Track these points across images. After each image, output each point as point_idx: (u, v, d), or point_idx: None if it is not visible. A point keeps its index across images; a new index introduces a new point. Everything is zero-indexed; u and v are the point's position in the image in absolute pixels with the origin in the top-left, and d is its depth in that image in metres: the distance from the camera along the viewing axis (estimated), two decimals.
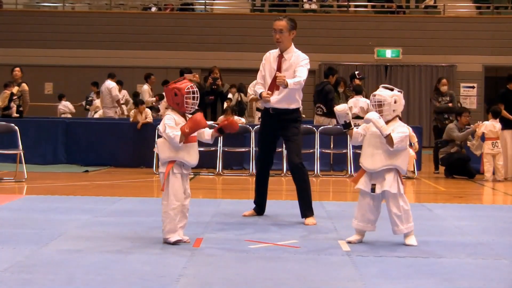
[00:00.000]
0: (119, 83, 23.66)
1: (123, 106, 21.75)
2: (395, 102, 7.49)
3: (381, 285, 5.85)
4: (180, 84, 7.39)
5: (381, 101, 7.47)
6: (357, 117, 17.24)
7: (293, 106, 8.99)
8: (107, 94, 20.73)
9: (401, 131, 7.40)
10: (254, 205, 9.42)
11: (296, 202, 9.06)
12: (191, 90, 7.37)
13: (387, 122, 7.42)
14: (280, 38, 8.91)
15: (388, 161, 7.41)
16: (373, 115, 7.37)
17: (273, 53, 9.06)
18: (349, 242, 7.51)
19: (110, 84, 20.78)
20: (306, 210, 8.84)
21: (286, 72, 8.85)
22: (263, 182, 9.33)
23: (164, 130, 7.30)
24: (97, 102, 24.09)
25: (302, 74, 8.82)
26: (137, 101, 18.19)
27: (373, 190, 7.43)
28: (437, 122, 17.19)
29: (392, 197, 7.43)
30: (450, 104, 17.22)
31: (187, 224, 7.55)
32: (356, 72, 19.18)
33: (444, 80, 17.93)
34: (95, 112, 23.40)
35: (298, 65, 8.88)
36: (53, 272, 6.07)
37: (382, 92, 7.57)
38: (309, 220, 8.77)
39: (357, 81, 18.53)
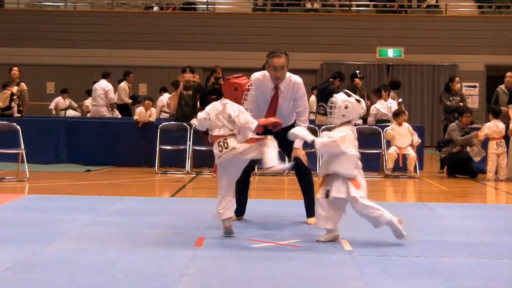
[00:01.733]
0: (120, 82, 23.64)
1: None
2: (345, 108, 7.52)
3: (383, 285, 5.84)
4: (241, 80, 7.77)
5: (332, 104, 7.56)
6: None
7: (291, 122, 8.91)
8: (102, 95, 20.61)
9: (331, 135, 7.50)
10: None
11: (298, 202, 9.07)
12: (250, 87, 7.80)
13: (335, 126, 7.57)
14: (282, 75, 8.72)
15: (328, 166, 7.52)
16: (296, 130, 7.74)
17: (264, 80, 8.78)
18: (318, 241, 7.58)
19: (107, 86, 20.62)
20: (312, 209, 8.84)
21: (284, 103, 8.76)
22: (245, 191, 9.18)
23: (242, 113, 7.61)
24: (87, 101, 24.12)
25: (306, 107, 8.93)
26: (146, 97, 18.23)
27: (327, 195, 7.51)
28: (447, 121, 17.16)
29: (349, 202, 7.54)
30: (461, 104, 17.22)
31: None
32: (357, 71, 19.18)
33: (457, 79, 17.97)
34: (87, 112, 23.38)
35: (299, 98, 8.81)
36: (55, 271, 6.07)
37: (337, 96, 7.65)
38: (312, 220, 8.77)
39: (357, 80, 18.54)
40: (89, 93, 24.06)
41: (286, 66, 8.73)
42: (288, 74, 8.80)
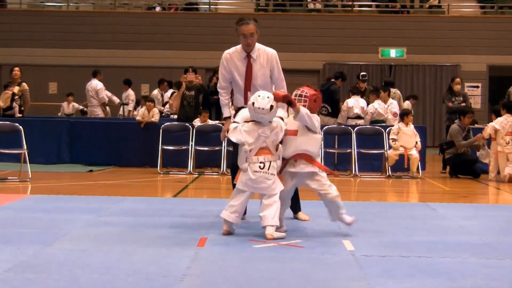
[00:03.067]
0: (126, 83, 23.63)
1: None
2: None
3: (385, 285, 5.84)
4: (319, 94, 8.03)
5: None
6: (357, 117, 17.27)
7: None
8: (92, 93, 20.57)
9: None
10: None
11: (300, 202, 9.08)
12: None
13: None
14: (252, 42, 8.74)
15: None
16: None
17: (234, 54, 8.89)
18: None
19: (97, 84, 20.57)
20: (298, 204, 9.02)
21: (259, 72, 8.77)
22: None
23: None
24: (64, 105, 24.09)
25: (283, 79, 8.90)
26: (147, 99, 18.24)
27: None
28: (450, 122, 17.17)
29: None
30: (463, 104, 17.24)
31: None
32: (361, 74, 19.20)
33: (458, 79, 18.00)
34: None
35: (274, 67, 8.82)
36: (57, 272, 6.07)
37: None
38: (303, 215, 9.01)
39: (361, 84, 18.58)
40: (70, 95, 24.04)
41: (256, 32, 8.74)
42: (262, 46, 8.85)
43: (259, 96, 7.83)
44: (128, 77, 24.12)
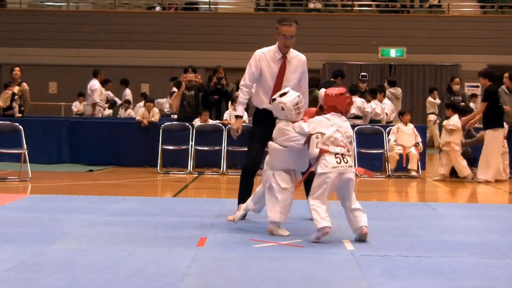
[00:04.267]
0: (124, 82, 23.63)
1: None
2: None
3: (386, 285, 5.84)
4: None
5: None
6: (355, 117, 17.26)
7: None
8: (89, 93, 20.53)
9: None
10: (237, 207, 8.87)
11: (300, 202, 9.06)
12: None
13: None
14: (290, 44, 8.70)
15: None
16: None
17: (269, 53, 8.80)
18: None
19: (94, 85, 20.43)
20: None
21: (292, 75, 8.72)
22: (251, 184, 8.96)
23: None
24: (76, 104, 24.01)
25: (307, 87, 8.93)
26: (147, 99, 18.25)
27: None
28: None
29: None
30: (462, 104, 17.28)
31: None
32: (361, 74, 19.22)
33: (457, 79, 18.09)
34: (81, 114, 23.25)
35: (304, 73, 8.81)
36: (58, 271, 6.07)
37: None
38: None
39: (361, 85, 18.62)
40: (80, 95, 23.98)
41: (295, 35, 8.68)
42: (294, 50, 8.81)
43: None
44: (128, 77, 24.13)
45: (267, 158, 8.11)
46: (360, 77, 18.81)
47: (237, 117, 8.90)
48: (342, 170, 7.47)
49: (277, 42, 8.81)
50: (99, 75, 20.77)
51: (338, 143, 7.54)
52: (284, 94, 7.91)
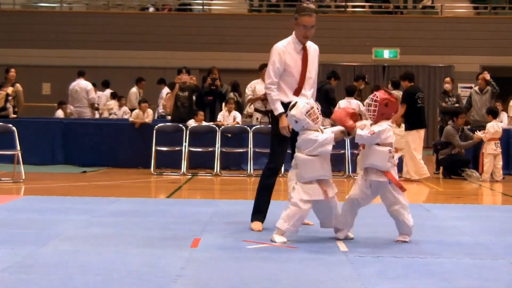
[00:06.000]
0: (105, 84, 23.61)
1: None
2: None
3: (379, 285, 5.85)
4: (393, 98, 7.71)
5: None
6: None
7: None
8: (83, 94, 20.32)
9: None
10: (255, 216, 8.56)
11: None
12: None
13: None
14: (310, 34, 8.53)
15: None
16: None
17: (289, 46, 8.51)
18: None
19: (87, 85, 20.34)
20: None
21: (313, 65, 8.57)
22: (273, 185, 8.59)
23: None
24: (59, 113, 23.85)
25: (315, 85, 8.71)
26: (142, 100, 18.23)
27: None
28: (443, 122, 17.32)
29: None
30: (457, 105, 17.35)
31: None
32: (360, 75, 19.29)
33: (447, 79, 18.16)
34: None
35: (317, 62, 8.67)
36: (51, 272, 6.07)
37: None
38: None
39: (360, 83, 18.62)
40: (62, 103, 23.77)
41: (315, 25, 8.48)
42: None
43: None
44: (121, 78, 24.09)
45: (292, 172, 7.86)
46: (358, 78, 18.86)
47: (280, 115, 8.26)
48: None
49: (294, 33, 8.58)
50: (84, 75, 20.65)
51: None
52: (293, 106, 7.69)
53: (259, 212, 8.49)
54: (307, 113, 7.58)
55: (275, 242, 7.53)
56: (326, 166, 7.69)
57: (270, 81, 8.37)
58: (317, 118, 7.64)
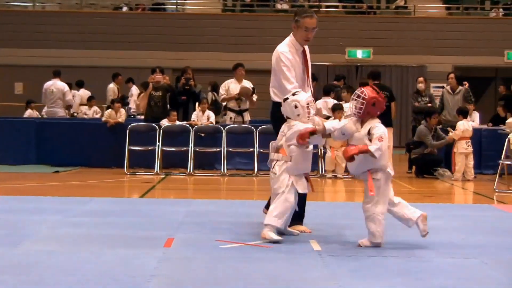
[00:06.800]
0: (79, 83, 23.47)
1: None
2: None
3: (353, 285, 5.86)
4: (381, 97, 7.60)
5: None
6: (327, 118, 17.27)
7: None
8: (59, 95, 19.99)
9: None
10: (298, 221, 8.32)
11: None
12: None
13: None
14: (312, 36, 8.51)
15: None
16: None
17: (291, 49, 8.48)
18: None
19: (64, 86, 19.98)
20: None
21: (310, 65, 8.67)
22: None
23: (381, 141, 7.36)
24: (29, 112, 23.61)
25: None
26: (115, 100, 18.17)
27: None
28: (416, 122, 17.41)
29: None
30: (429, 105, 17.44)
31: None
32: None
33: (420, 78, 18.27)
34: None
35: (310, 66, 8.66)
36: (24, 273, 6.03)
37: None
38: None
39: (341, 82, 18.69)
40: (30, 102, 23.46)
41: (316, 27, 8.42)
42: None
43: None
44: (94, 78, 23.98)
45: (278, 165, 7.77)
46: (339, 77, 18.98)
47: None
48: None
49: (292, 35, 8.54)
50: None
51: None
52: (296, 94, 7.80)
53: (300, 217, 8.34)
54: (308, 104, 7.72)
55: (272, 239, 7.52)
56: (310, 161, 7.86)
57: (292, 86, 8.17)
58: (310, 114, 7.75)
